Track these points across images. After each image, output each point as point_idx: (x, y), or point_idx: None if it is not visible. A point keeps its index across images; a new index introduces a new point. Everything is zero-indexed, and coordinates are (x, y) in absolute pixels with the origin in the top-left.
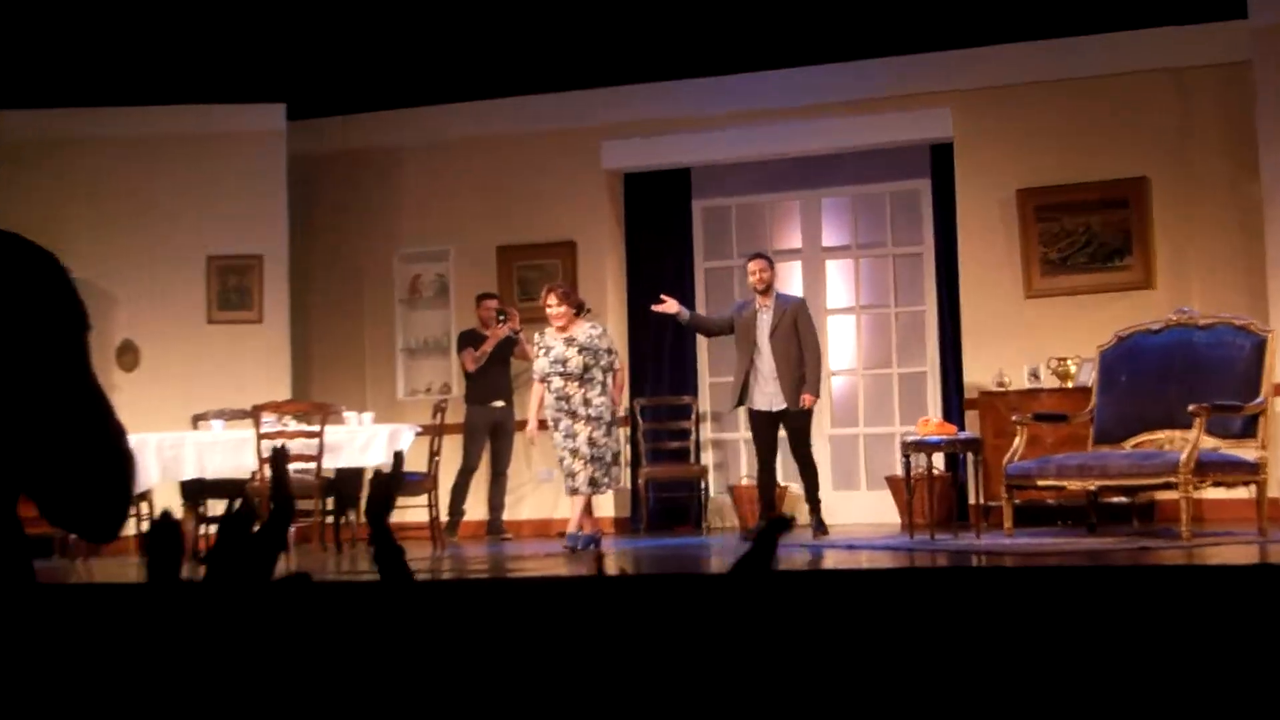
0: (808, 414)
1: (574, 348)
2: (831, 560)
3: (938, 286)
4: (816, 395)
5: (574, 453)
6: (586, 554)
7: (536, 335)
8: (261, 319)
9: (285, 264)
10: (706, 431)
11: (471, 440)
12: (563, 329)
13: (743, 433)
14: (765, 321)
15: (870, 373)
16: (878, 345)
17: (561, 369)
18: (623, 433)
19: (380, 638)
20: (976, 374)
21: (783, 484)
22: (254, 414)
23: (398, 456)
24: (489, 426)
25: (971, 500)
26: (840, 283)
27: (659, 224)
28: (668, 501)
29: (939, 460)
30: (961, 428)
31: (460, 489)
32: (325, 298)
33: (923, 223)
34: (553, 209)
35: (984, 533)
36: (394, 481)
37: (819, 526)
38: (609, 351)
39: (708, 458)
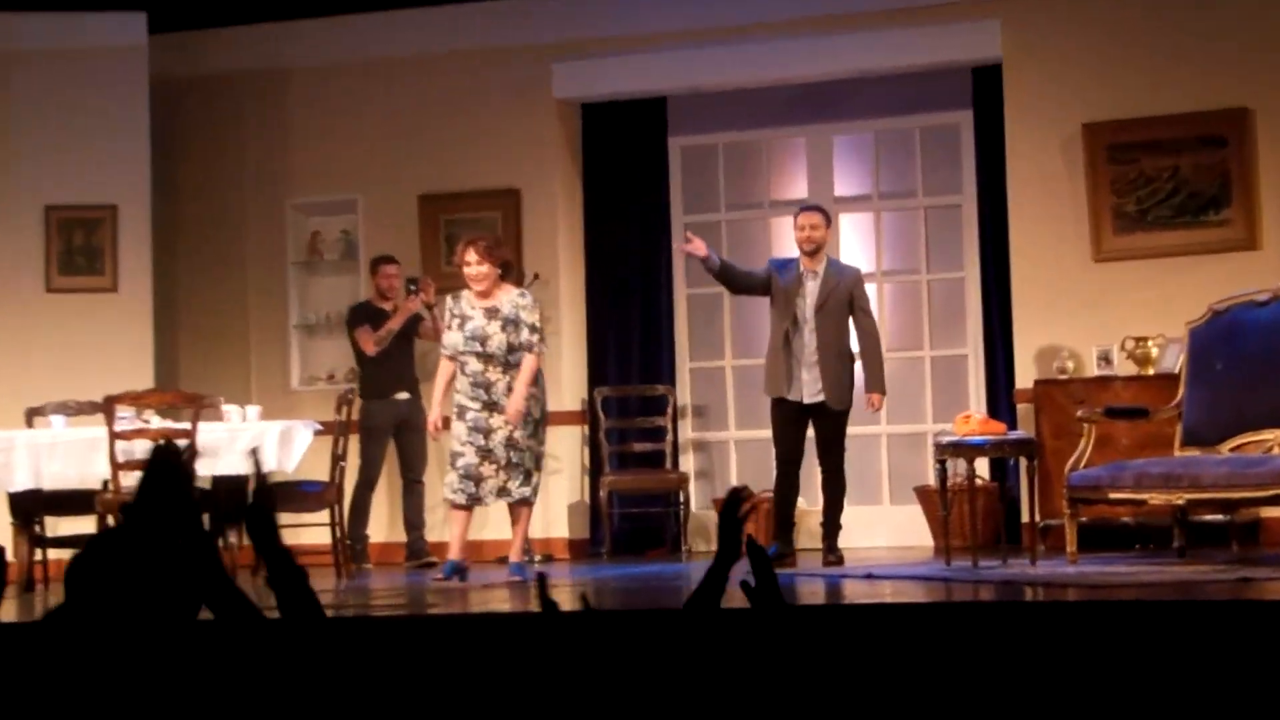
0: (844, 415)
1: (496, 321)
2: (849, 593)
3: (981, 247)
4: (884, 393)
5: (484, 454)
6: (524, 586)
7: (450, 300)
8: (116, 286)
9: (146, 217)
10: (686, 430)
11: (371, 444)
12: (483, 294)
13: (733, 431)
14: (812, 291)
15: (896, 356)
16: (905, 322)
17: (480, 348)
18: (576, 432)
19: (280, 680)
20: (1030, 358)
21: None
22: (106, 407)
23: (253, 455)
24: (393, 425)
25: (1024, 518)
26: (857, 243)
27: (626, 167)
28: (637, 519)
29: (983, 467)
30: (1012, 426)
31: (359, 508)
32: (198, 260)
33: (962, 166)
34: (490, 149)
35: (1040, 559)
36: (265, 487)
37: (832, 551)
38: (532, 329)
39: (688, 463)
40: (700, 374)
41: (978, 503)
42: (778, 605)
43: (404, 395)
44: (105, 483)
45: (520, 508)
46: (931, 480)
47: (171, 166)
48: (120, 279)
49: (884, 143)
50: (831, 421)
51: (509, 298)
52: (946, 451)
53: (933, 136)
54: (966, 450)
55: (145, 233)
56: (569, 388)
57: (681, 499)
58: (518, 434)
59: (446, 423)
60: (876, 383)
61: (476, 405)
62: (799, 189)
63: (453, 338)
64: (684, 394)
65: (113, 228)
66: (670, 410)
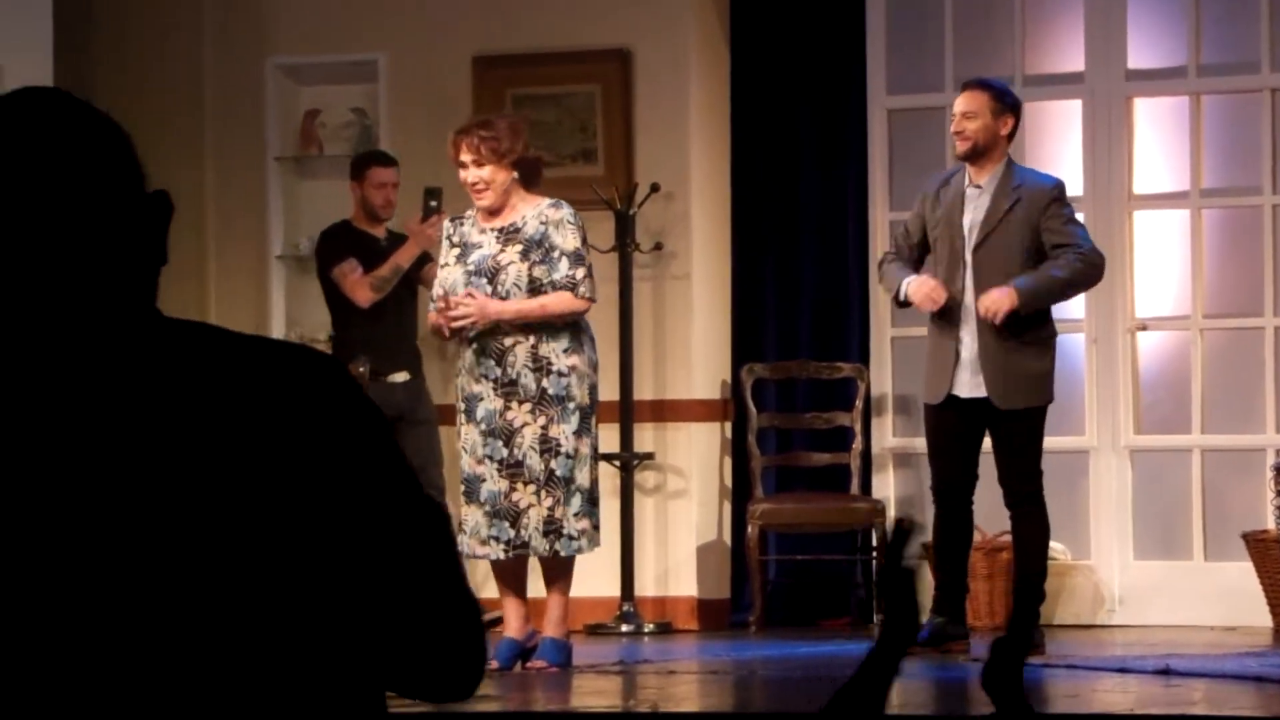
0: (1039, 414)
1: (515, 246)
2: (1134, 696)
3: None
4: (1020, 304)
5: (513, 471)
6: (562, 675)
7: (447, 224)
8: None
9: (47, 81)
10: (885, 434)
11: None
12: (493, 212)
13: None
14: (972, 215)
15: (1216, 325)
16: (1234, 272)
17: (489, 288)
18: (712, 434)
19: None
20: None
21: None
22: None
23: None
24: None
25: None
26: (1159, 146)
27: (799, 26)
28: (805, 572)
29: None
30: None
31: None
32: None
33: None
34: None
35: None
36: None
37: (1019, 635)
38: (574, 258)
39: (885, 485)
40: (907, 347)
41: None
42: (1021, 710)
43: (401, 377)
44: None
45: (565, 562)
46: (1270, 524)
47: (88, 7)
48: None
49: None
50: (1013, 424)
51: (535, 211)
52: None
53: None
54: None
55: None
56: (701, 364)
57: (875, 540)
58: (558, 428)
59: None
60: (1026, 281)
61: (489, 389)
62: (1069, 59)
63: (450, 276)
64: (882, 378)
65: None
66: (860, 402)
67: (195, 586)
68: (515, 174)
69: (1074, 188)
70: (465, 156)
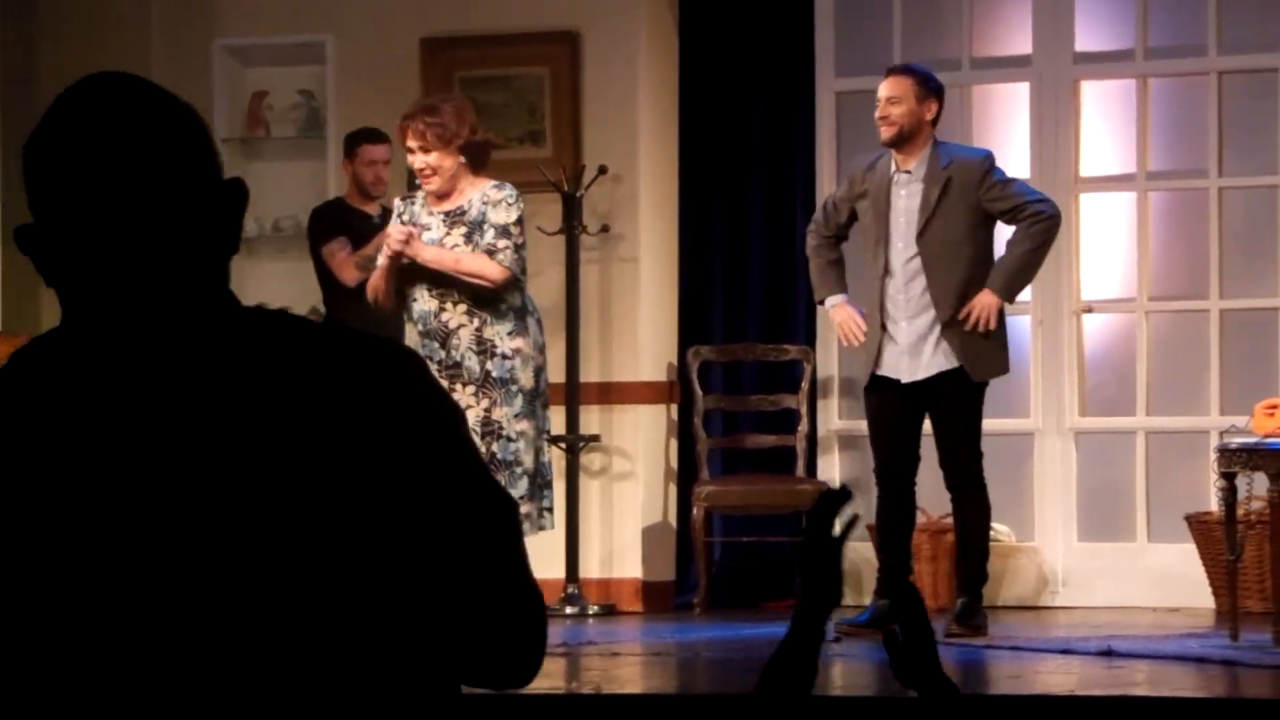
0: (976, 393)
1: (460, 229)
2: (1076, 677)
3: None
4: (1007, 298)
5: None
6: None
7: (397, 204)
8: None
9: None
10: (830, 416)
11: None
12: (441, 196)
13: None
14: (902, 201)
15: (1161, 308)
16: (1181, 254)
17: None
18: (658, 415)
19: None
20: None
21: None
22: None
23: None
24: None
25: None
26: (1106, 129)
27: (745, 6)
28: (750, 554)
29: None
30: None
31: None
32: None
33: None
34: None
35: None
36: None
37: (968, 616)
38: (500, 231)
39: (831, 467)
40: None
41: None
42: (943, 692)
43: None
44: None
45: None
46: (1213, 506)
47: None
48: None
49: None
50: (953, 404)
51: (479, 194)
52: (1238, 460)
53: None
54: (1271, 459)
55: None
56: (648, 347)
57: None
58: (500, 410)
59: None
60: (997, 279)
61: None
62: (1016, 41)
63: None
64: (828, 360)
65: None
66: (806, 385)
67: (265, 572)
68: (462, 159)
69: (1021, 170)
70: (411, 142)
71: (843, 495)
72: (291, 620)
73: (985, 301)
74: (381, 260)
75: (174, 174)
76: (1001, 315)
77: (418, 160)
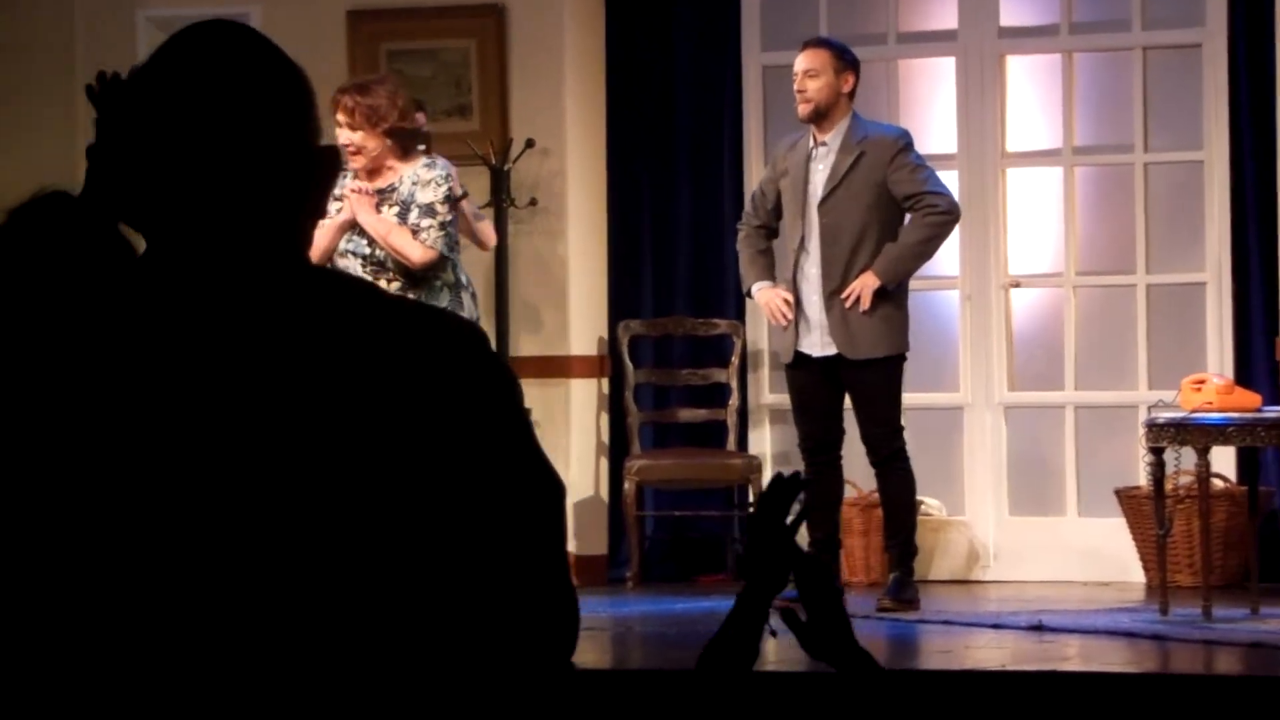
0: (892, 365)
1: (390, 209)
2: (1008, 652)
3: (1233, 112)
4: (884, 282)
5: None
6: None
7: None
8: None
9: None
10: (761, 390)
11: None
12: (371, 174)
13: None
14: (818, 176)
15: (1089, 283)
16: (1107, 229)
17: (367, 249)
18: (589, 390)
19: None
20: None
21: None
22: None
23: None
24: None
25: None
26: (1034, 103)
27: None
28: (682, 527)
29: (1224, 460)
30: (1273, 399)
31: None
32: None
33: None
34: None
35: None
36: None
37: (900, 590)
38: (424, 210)
39: (762, 441)
40: None
41: (1216, 517)
42: (857, 665)
43: None
44: None
45: None
46: (1142, 480)
47: None
48: None
49: None
50: (863, 378)
51: (410, 172)
52: (1166, 435)
53: None
54: (1198, 434)
55: None
56: (579, 320)
57: (751, 497)
58: None
59: None
60: (882, 262)
61: None
62: (942, 16)
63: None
64: (758, 334)
65: None
66: (737, 359)
67: (305, 529)
68: (389, 141)
69: (947, 145)
70: (340, 117)
71: (794, 481)
72: (328, 584)
73: (863, 281)
74: (335, 217)
75: (268, 130)
76: (897, 296)
77: (342, 135)
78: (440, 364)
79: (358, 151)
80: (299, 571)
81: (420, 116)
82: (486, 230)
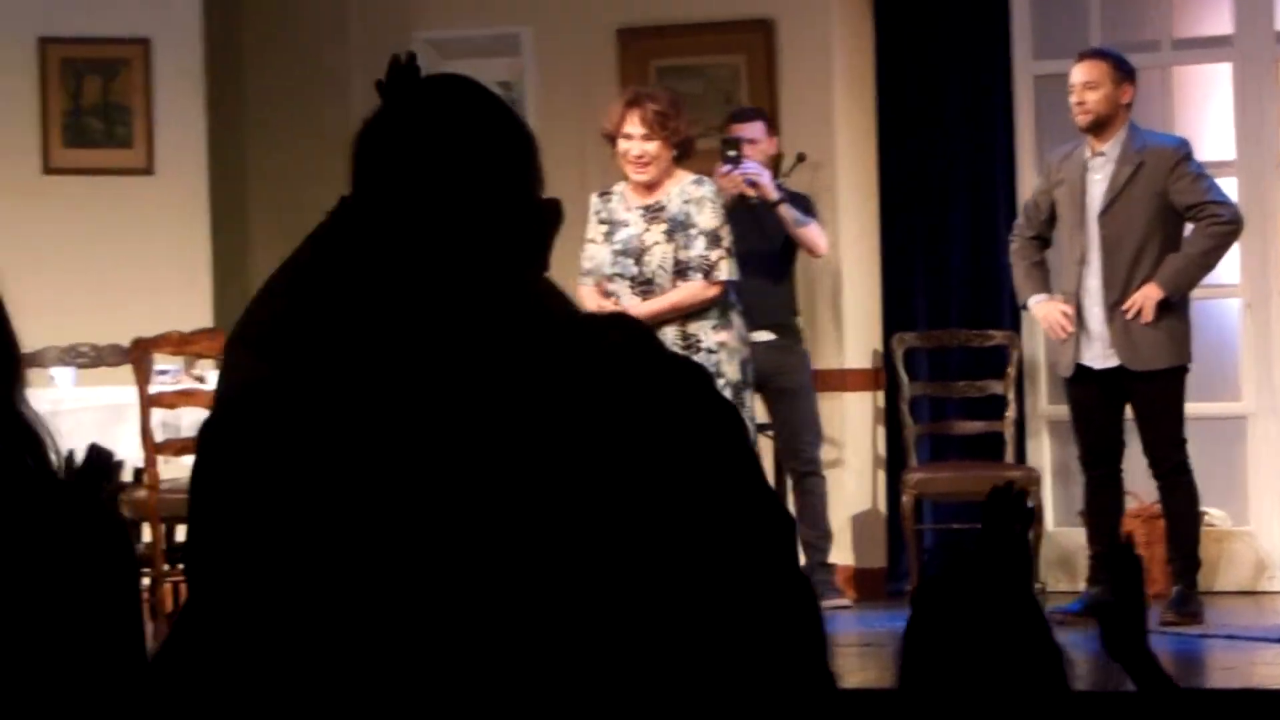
0: (1175, 376)
1: (659, 225)
2: (1276, 668)
3: None
4: (1165, 295)
5: None
6: None
7: (594, 200)
8: (150, 166)
9: (197, 57)
10: (1039, 400)
11: None
12: (649, 188)
13: None
14: (1097, 187)
15: None
16: None
17: (635, 269)
18: (864, 403)
19: None
20: None
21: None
22: (137, 356)
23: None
24: None
25: None
26: None
27: None
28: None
29: None
30: None
31: None
32: (275, 128)
33: None
34: None
35: None
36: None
37: (1183, 604)
38: (711, 239)
39: (1040, 453)
40: None
41: None
42: (1150, 672)
43: (764, 336)
44: (137, 472)
45: None
46: None
47: None
48: (157, 155)
49: None
50: (1150, 391)
51: (678, 188)
52: None
53: None
54: None
55: (195, 83)
56: (853, 333)
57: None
58: None
59: None
60: (1164, 273)
61: None
62: (1219, 20)
63: (598, 254)
64: (1034, 345)
65: (144, 74)
66: (1013, 370)
67: (546, 570)
68: (675, 152)
69: (1224, 152)
70: (633, 128)
71: (1009, 493)
72: (578, 632)
73: (1145, 293)
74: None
75: (492, 185)
76: (1179, 307)
77: (635, 146)
78: (668, 406)
79: (650, 161)
80: (550, 619)
81: None
82: (813, 235)
